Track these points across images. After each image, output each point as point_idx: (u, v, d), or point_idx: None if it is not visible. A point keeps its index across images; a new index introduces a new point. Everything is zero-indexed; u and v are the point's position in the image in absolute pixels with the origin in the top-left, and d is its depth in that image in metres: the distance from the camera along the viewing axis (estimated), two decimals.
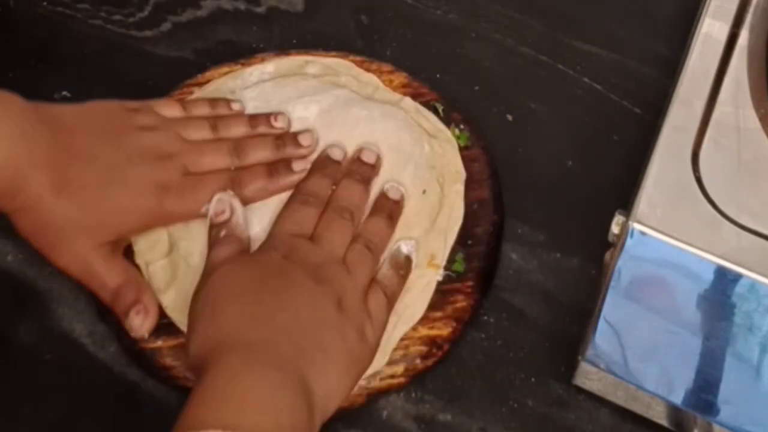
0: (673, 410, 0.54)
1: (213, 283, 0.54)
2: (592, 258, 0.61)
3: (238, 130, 0.63)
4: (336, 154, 0.62)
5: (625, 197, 0.52)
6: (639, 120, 0.68)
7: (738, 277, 0.46)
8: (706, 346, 0.49)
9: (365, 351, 0.54)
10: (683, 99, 0.51)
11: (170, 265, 0.60)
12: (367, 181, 0.61)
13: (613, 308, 0.50)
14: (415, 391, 0.58)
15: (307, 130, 0.63)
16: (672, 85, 0.53)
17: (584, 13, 0.73)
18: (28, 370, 0.59)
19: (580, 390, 0.58)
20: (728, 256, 0.46)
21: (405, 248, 0.59)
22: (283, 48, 0.71)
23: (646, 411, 0.55)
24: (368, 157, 0.62)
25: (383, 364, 0.57)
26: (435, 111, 0.66)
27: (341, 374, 0.52)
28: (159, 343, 0.58)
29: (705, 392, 0.51)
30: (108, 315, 0.60)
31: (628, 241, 0.47)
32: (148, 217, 0.59)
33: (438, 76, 0.70)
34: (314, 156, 0.62)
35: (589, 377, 0.56)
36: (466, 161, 0.64)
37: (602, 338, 0.52)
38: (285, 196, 0.61)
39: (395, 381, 0.58)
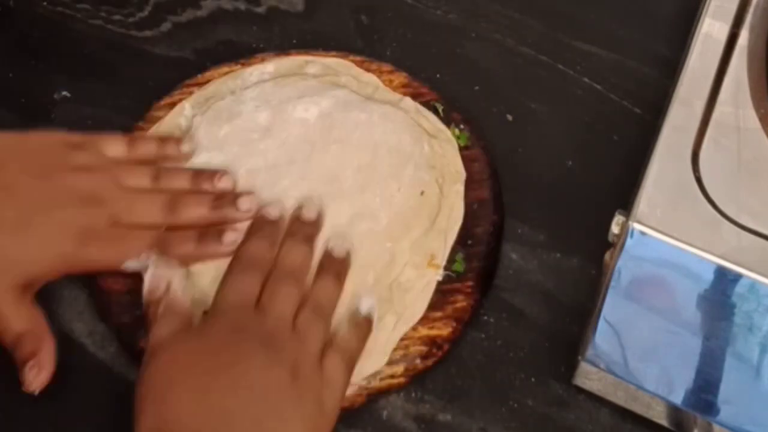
0: (673, 410, 0.54)
1: (157, 366, 0.52)
2: (592, 258, 0.61)
3: (180, 183, 0.60)
4: (273, 214, 0.59)
5: (625, 197, 0.52)
6: (639, 120, 0.68)
7: (738, 277, 0.46)
8: (706, 346, 0.49)
9: (324, 418, 0.52)
10: (683, 99, 0.51)
11: None
12: (310, 240, 0.59)
13: (613, 308, 0.50)
14: (415, 391, 0.58)
15: (248, 193, 0.60)
16: (672, 85, 0.53)
17: (584, 13, 0.73)
18: None
19: (580, 390, 0.58)
20: (728, 256, 0.46)
21: (364, 307, 0.57)
22: (283, 48, 0.71)
23: (646, 411, 0.55)
24: (309, 214, 0.59)
25: (383, 364, 0.57)
26: (435, 111, 0.66)
27: None
28: None
29: (705, 392, 0.51)
30: (108, 315, 0.60)
31: (628, 241, 0.47)
32: (64, 263, 0.56)
33: (438, 76, 0.70)
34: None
35: (589, 377, 0.56)
36: (466, 161, 0.64)
37: (602, 338, 0.52)
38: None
39: (395, 381, 0.58)
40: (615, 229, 0.49)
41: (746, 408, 0.51)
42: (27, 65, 0.71)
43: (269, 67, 0.68)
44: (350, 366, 0.55)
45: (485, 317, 0.61)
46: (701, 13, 0.55)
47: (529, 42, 0.72)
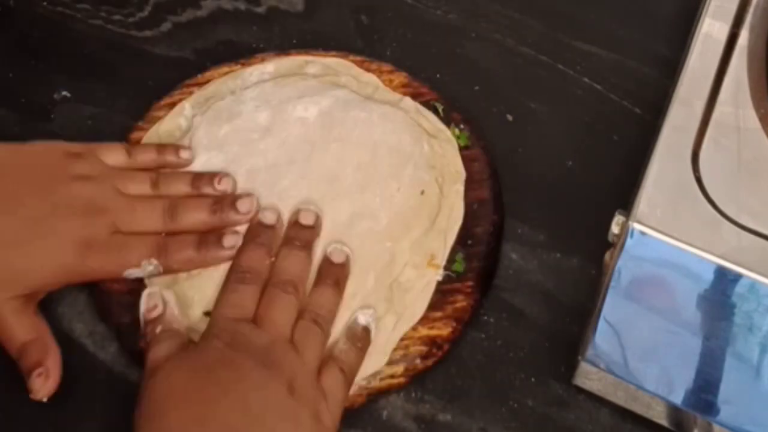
0: (673, 410, 0.54)
1: (155, 387, 0.52)
2: (592, 258, 0.61)
3: (179, 188, 0.60)
4: (269, 219, 0.59)
5: (625, 197, 0.52)
6: (639, 120, 0.68)
7: (738, 277, 0.46)
8: (706, 346, 0.49)
9: None
10: (683, 99, 0.51)
11: None
12: (308, 246, 0.58)
13: (613, 308, 0.50)
14: (415, 391, 0.58)
15: (247, 195, 0.60)
16: (672, 85, 0.53)
17: (584, 13, 0.73)
18: None
19: (580, 390, 0.58)
20: (728, 256, 0.46)
21: (362, 319, 0.57)
22: (283, 48, 0.71)
23: (646, 411, 0.55)
24: (306, 219, 0.59)
25: (383, 364, 0.57)
26: (435, 111, 0.66)
27: None
28: None
29: (705, 392, 0.51)
30: (108, 315, 0.60)
31: (628, 241, 0.47)
32: (66, 273, 0.57)
33: (438, 76, 0.70)
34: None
35: (589, 377, 0.56)
36: (466, 161, 0.64)
37: (602, 338, 0.52)
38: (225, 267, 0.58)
39: (395, 381, 0.58)
40: (615, 229, 0.49)
41: (746, 408, 0.51)
42: (27, 65, 0.71)
43: (269, 67, 0.68)
44: (349, 379, 0.55)
45: (485, 317, 0.61)
46: (701, 13, 0.55)
47: (529, 42, 0.72)
